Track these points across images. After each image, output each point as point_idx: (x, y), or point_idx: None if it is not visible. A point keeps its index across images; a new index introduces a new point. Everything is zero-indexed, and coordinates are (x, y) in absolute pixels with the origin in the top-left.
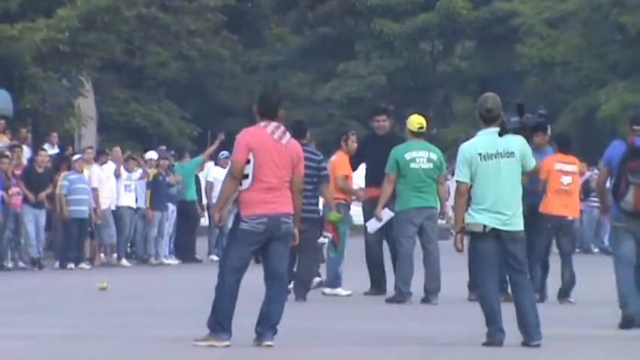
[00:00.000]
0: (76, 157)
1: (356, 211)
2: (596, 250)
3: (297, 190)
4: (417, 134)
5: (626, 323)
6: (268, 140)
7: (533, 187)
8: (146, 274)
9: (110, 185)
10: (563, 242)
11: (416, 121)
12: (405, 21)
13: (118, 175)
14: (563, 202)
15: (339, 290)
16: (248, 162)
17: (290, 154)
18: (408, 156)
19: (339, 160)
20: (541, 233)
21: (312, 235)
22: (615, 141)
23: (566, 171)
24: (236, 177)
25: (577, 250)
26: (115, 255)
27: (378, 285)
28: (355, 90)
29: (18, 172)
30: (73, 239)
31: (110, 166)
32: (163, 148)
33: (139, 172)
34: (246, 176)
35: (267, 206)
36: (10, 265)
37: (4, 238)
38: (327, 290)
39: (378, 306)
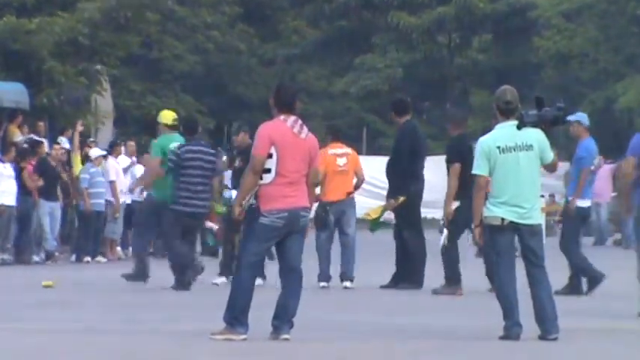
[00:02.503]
0: (93, 152)
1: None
2: (608, 243)
3: (312, 183)
4: (172, 127)
5: None
6: (289, 134)
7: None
8: (162, 268)
9: (124, 179)
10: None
11: (170, 115)
12: (422, 14)
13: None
14: None
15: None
16: (270, 156)
17: (308, 149)
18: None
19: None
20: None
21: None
22: (638, 133)
23: None
24: (258, 171)
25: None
26: (119, 249)
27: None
28: (372, 83)
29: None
30: (90, 232)
31: (123, 159)
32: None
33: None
34: (268, 170)
35: (287, 200)
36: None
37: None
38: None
39: (393, 299)
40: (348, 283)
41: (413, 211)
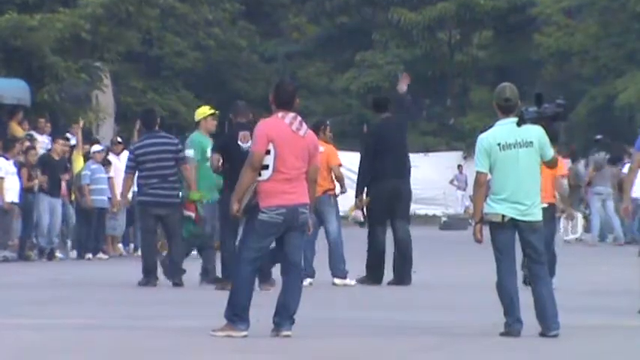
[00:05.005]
0: (95, 148)
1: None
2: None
3: (312, 180)
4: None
5: None
6: (287, 131)
7: None
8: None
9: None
10: None
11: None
12: (423, 10)
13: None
14: None
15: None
16: (267, 153)
17: (307, 146)
18: None
19: (331, 150)
20: None
21: (179, 218)
22: None
23: None
24: (256, 168)
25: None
26: (120, 246)
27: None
28: (373, 80)
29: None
30: (91, 229)
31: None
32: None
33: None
34: (266, 167)
35: (286, 197)
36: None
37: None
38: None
39: (393, 296)
40: (336, 280)
41: (373, 209)
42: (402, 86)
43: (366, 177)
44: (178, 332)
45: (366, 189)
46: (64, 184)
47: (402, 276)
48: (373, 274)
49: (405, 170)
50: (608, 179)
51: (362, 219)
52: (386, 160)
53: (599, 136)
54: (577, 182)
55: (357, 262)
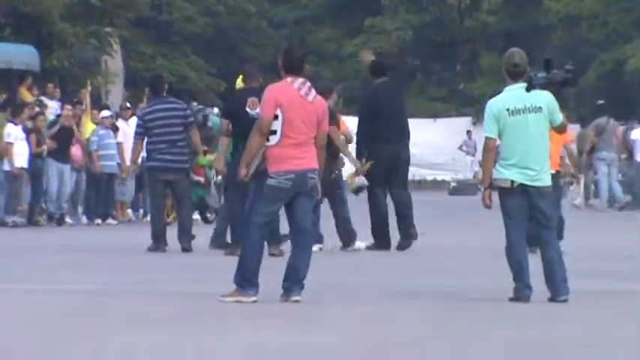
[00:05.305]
0: (103, 113)
1: None
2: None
3: (320, 146)
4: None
5: None
6: (296, 97)
7: None
8: (171, 230)
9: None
10: None
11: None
12: None
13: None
14: None
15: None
16: (276, 118)
17: (316, 111)
18: None
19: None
20: None
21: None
22: None
23: None
24: (264, 133)
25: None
26: (130, 211)
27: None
28: (382, 45)
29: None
30: (101, 195)
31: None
32: (195, 104)
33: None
34: (274, 132)
35: (295, 162)
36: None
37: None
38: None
39: (403, 261)
40: (352, 245)
41: (372, 173)
42: (366, 59)
43: (365, 142)
44: (187, 298)
45: (365, 154)
46: (74, 150)
47: (407, 235)
48: (381, 241)
49: (404, 134)
50: (612, 144)
51: (366, 183)
52: (384, 124)
53: (601, 101)
54: (585, 148)
55: (362, 227)
